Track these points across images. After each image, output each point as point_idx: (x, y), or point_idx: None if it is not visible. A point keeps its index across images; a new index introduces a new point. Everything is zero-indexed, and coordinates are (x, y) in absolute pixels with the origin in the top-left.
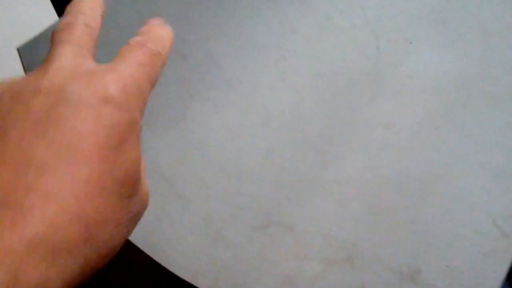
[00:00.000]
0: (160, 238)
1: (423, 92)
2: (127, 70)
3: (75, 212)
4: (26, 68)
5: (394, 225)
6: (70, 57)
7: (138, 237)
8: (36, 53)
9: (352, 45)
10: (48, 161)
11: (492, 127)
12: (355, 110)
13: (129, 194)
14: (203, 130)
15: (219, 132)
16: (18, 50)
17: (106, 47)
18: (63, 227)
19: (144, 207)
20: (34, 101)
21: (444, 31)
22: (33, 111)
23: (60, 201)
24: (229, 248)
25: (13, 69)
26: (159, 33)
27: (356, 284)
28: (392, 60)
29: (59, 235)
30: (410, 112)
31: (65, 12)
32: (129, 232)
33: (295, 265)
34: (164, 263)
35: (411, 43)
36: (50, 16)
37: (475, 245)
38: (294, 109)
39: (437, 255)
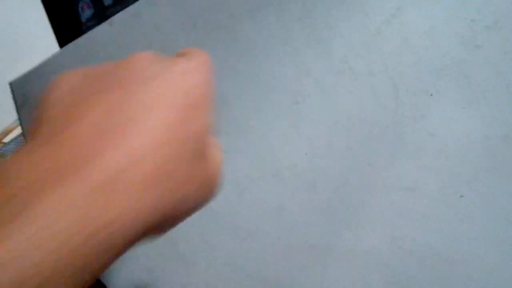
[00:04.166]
0: None
1: (446, 153)
2: (202, 58)
3: (159, 143)
4: (18, 102)
5: None
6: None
7: None
8: (29, 88)
9: (369, 93)
10: (146, 104)
11: None
12: (372, 167)
13: (196, 153)
14: None
15: (226, 184)
16: (10, 84)
17: None
18: (151, 155)
19: (213, 176)
20: (133, 70)
21: (467, 86)
22: (130, 76)
23: (147, 135)
24: None
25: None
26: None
27: None
28: (412, 113)
29: (148, 162)
30: (432, 176)
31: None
32: (200, 197)
33: None
34: None
35: (431, 95)
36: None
37: None
38: (307, 161)
39: None
